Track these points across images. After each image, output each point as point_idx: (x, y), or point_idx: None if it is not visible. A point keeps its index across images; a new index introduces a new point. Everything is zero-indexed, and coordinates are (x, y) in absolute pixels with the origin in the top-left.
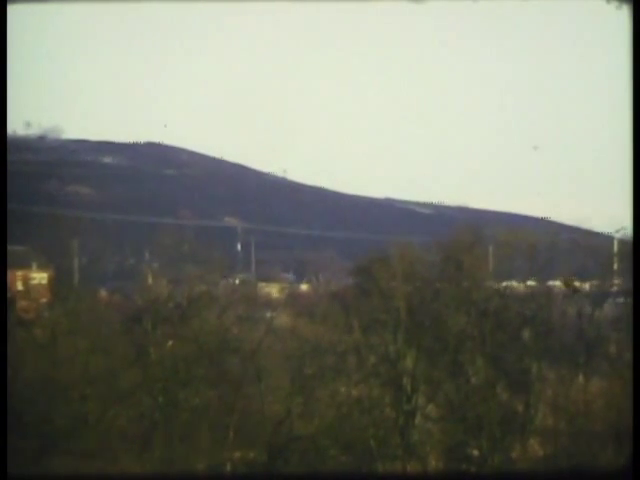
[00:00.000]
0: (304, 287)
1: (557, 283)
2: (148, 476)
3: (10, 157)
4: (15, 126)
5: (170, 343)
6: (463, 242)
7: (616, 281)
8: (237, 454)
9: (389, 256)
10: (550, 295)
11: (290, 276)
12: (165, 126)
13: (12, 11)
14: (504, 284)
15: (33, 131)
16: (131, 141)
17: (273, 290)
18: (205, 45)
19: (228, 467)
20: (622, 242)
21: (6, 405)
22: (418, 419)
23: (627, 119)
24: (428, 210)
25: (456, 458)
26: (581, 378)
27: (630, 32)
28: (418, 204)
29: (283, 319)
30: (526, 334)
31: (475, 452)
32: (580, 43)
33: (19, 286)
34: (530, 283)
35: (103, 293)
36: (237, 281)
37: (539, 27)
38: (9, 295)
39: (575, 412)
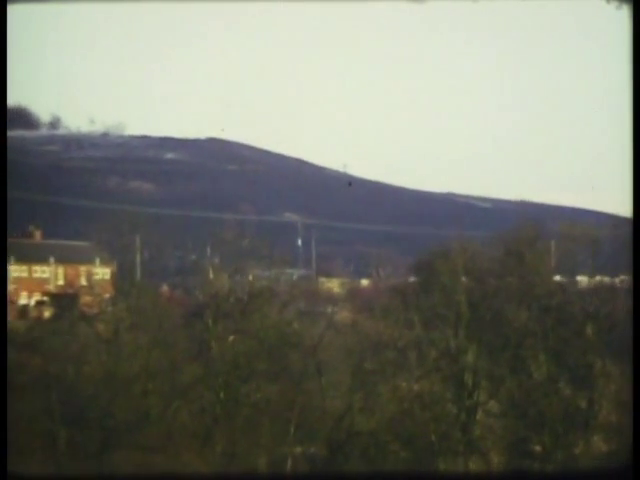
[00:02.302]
0: (364, 282)
1: (621, 278)
2: (149, 476)
3: (73, 154)
4: (79, 123)
5: (231, 338)
6: (525, 236)
7: None
8: (298, 449)
9: (450, 251)
10: (614, 290)
11: (350, 271)
12: (222, 130)
13: (12, 11)
14: (567, 279)
15: (97, 128)
16: (193, 137)
17: (334, 285)
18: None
19: (289, 462)
20: None
21: (6, 405)
22: (479, 415)
23: (627, 118)
24: (489, 204)
25: (518, 454)
26: None
27: (630, 32)
28: (479, 198)
29: (344, 314)
30: (589, 329)
31: (537, 448)
32: (580, 43)
33: (82, 281)
34: (593, 278)
35: (165, 288)
36: (297, 276)
37: (539, 27)
38: (73, 290)
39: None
